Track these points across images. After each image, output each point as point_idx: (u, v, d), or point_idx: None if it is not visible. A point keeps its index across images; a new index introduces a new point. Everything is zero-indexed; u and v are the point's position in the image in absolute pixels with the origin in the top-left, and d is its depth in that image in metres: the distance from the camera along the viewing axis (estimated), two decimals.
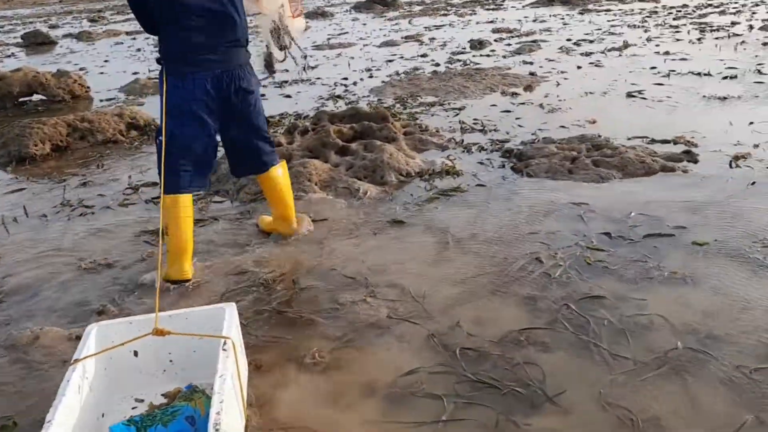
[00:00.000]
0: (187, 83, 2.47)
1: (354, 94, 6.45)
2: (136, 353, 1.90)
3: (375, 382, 1.98)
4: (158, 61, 2.54)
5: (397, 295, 2.48)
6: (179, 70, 2.47)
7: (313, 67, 7.84)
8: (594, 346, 2.07)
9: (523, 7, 14.03)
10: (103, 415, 1.82)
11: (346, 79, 7.25)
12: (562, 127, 4.73)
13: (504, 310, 2.32)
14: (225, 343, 1.72)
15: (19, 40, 13.89)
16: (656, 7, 12.22)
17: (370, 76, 7.34)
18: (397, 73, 7.34)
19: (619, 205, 3.20)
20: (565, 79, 6.43)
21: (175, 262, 2.64)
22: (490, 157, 4.17)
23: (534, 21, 11.41)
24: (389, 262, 2.76)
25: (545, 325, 2.20)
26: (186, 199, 2.62)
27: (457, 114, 5.32)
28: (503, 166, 3.97)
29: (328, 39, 10.81)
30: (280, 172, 2.91)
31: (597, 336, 2.12)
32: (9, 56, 11.93)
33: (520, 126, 4.83)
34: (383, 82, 6.95)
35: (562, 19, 11.52)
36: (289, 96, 6.54)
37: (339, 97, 6.35)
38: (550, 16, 12.05)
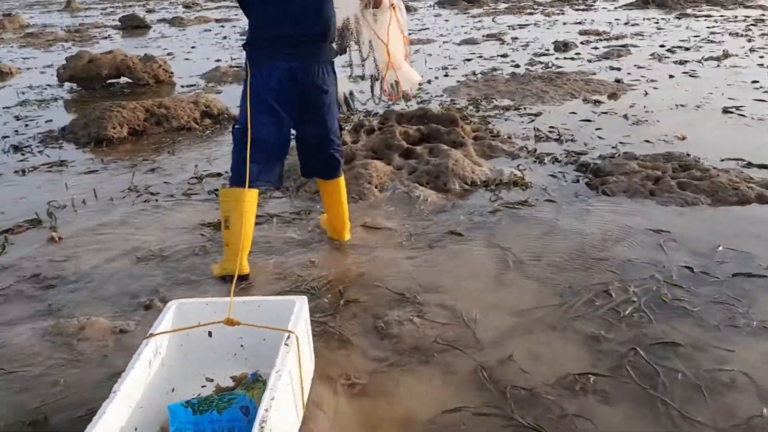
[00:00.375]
0: (264, 73, 2.48)
1: (427, 93, 6.28)
2: (210, 333, 1.94)
3: (414, 416, 1.83)
4: (243, 47, 2.57)
5: (447, 318, 2.32)
6: (257, 59, 2.50)
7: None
8: (662, 404, 1.83)
9: (616, 8, 13.33)
10: (173, 390, 1.85)
11: (421, 76, 7.08)
12: (647, 141, 4.37)
13: (563, 348, 2.11)
14: (288, 338, 1.71)
15: (117, 22, 14.62)
16: (763, 14, 11.25)
17: (446, 75, 7.15)
18: (474, 73, 7.10)
19: (705, 236, 2.88)
20: (655, 88, 5.98)
21: (234, 257, 2.58)
22: (564, 170, 3.90)
23: (626, 24, 10.80)
24: (442, 279, 2.59)
25: (608, 371, 1.97)
26: (250, 194, 2.57)
27: (533, 120, 5.05)
28: (577, 181, 3.70)
29: (408, 34, 10.65)
30: (341, 183, 2.89)
31: (667, 391, 1.88)
32: (106, 38, 12.56)
33: (599, 138, 4.51)
34: (458, 81, 6.74)
35: (657, 23, 10.83)
36: (362, 92, 6.44)
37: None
38: (643, 19, 11.36)
